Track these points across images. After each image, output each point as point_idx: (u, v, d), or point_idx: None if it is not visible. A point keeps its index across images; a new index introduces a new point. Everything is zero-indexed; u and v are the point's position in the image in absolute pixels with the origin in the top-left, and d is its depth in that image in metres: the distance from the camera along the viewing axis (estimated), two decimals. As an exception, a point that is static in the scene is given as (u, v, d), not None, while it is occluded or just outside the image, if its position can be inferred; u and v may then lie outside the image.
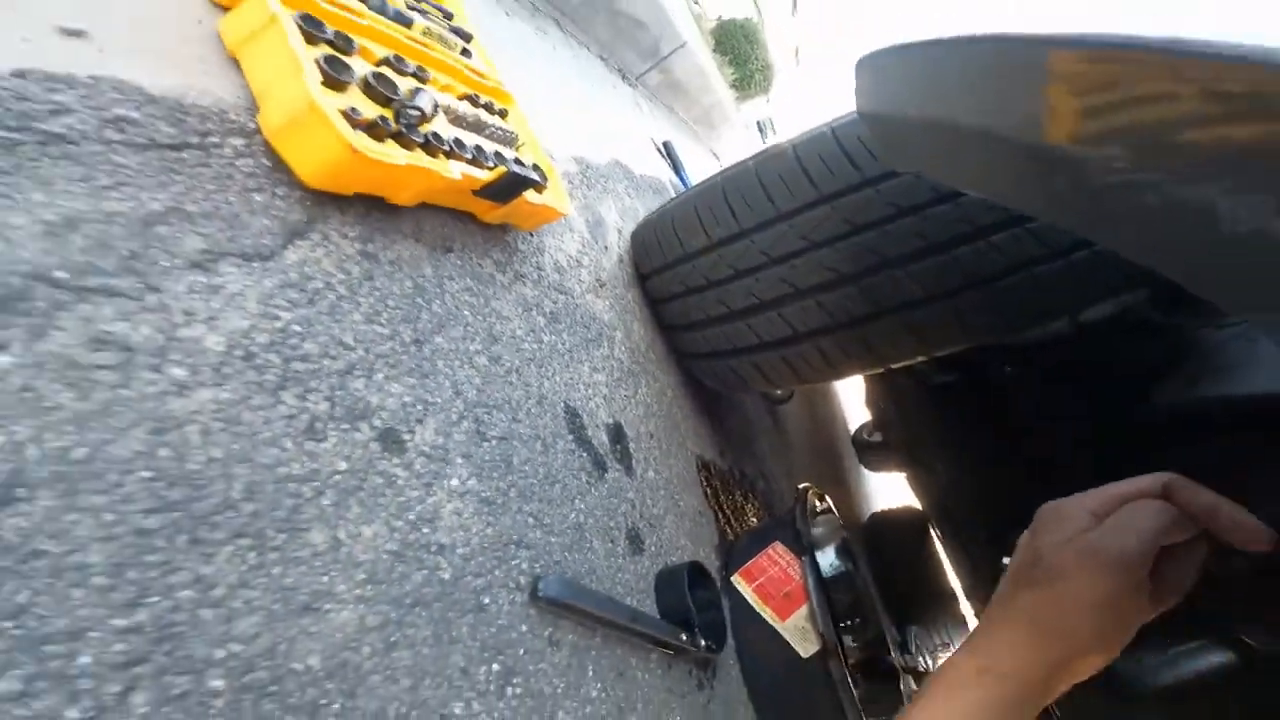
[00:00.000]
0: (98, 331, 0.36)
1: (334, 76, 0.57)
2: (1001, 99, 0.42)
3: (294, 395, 0.44)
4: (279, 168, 0.55)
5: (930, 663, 1.62)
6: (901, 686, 0.97)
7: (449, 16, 0.88)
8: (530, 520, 0.60)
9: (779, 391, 1.65)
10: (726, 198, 0.90)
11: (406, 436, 0.51)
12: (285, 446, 0.42)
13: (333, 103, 0.55)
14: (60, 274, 0.37)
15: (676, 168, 2.12)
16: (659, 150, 2.13)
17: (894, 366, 0.88)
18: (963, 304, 0.75)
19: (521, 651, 0.53)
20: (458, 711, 0.46)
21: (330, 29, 0.61)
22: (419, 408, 0.54)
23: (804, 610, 0.87)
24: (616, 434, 0.83)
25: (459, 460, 0.55)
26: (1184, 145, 0.29)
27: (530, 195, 0.75)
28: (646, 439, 0.90)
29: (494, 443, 0.60)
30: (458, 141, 0.69)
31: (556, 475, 0.67)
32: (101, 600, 0.31)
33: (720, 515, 1.01)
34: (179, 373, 0.38)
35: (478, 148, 0.72)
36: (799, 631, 0.87)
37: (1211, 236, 0.28)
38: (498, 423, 0.62)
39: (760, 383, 0.96)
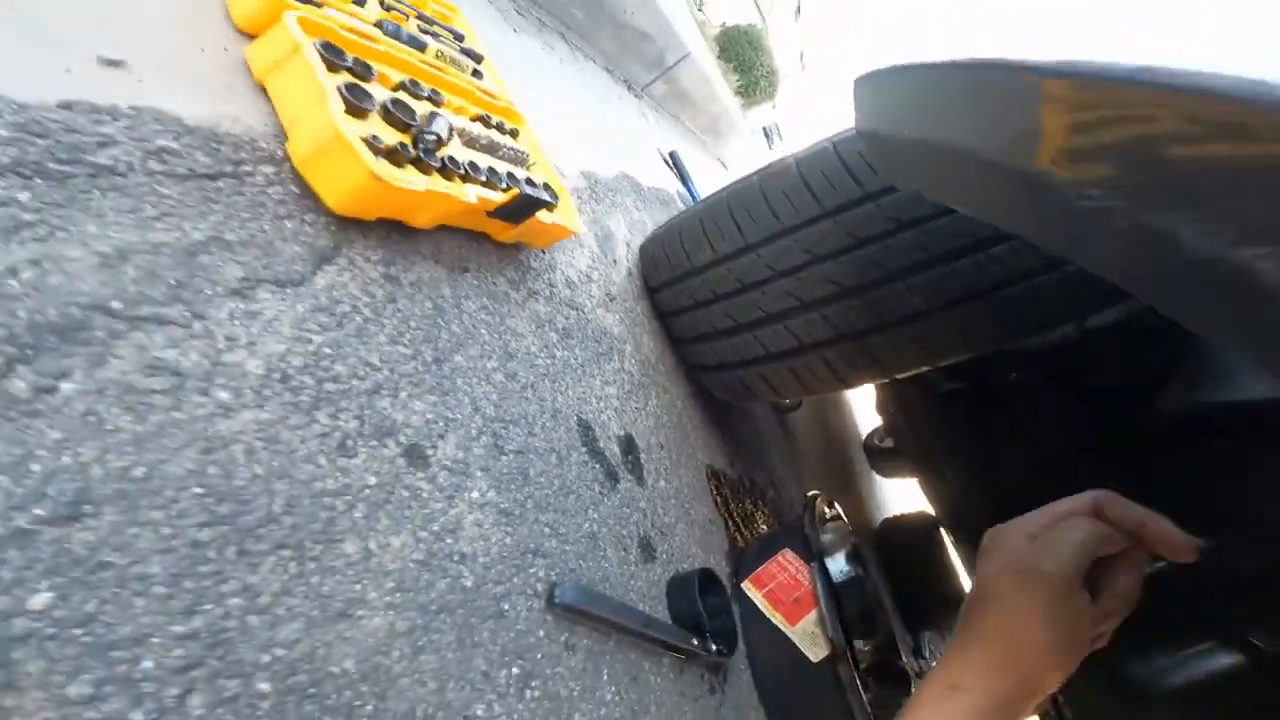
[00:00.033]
0: (151, 358, 0.39)
1: (355, 104, 0.59)
2: (994, 123, 0.43)
3: (327, 414, 0.47)
4: (306, 194, 0.58)
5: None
6: (914, 690, 0.98)
7: (460, 38, 0.91)
8: (546, 530, 0.63)
9: (787, 400, 1.67)
10: (732, 213, 0.93)
11: (430, 451, 0.54)
12: (320, 463, 0.45)
13: (355, 130, 0.57)
14: (116, 304, 0.40)
15: (683, 178, 2.14)
16: (666, 161, 2.16)
17: (900, 376, 0.90)
18: (965, 315, 0.77)
19: (539, 656, 0.56)
20: (480, 713, 0.48)
21: (350, 56, 0.63)
22: (441, 424, 0.56)
23: (813, 615, 0.89)
24: (628, 445, 0.86)
25: (479, 473, 0.58)
26: (1153, 173, 0.31)
27: (542, 215, 0.77)
28: (657, 449, 0.92)
29: (511, 456, 0.63)
30: (472, 164, 0.72)
31: (571, 486, 0.70)
32: (162, 608, 0.33)
33: (730, 523, 1.03)
34: (224, 395, 0.41)
35: (491, 169, 0.75)
36: (808, 636, 0.89)
37: (1177, 262, 0.30)
38: (514, 437, 0.65)
39: (768, 394, 0.99)
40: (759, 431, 1.45)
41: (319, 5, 0.65)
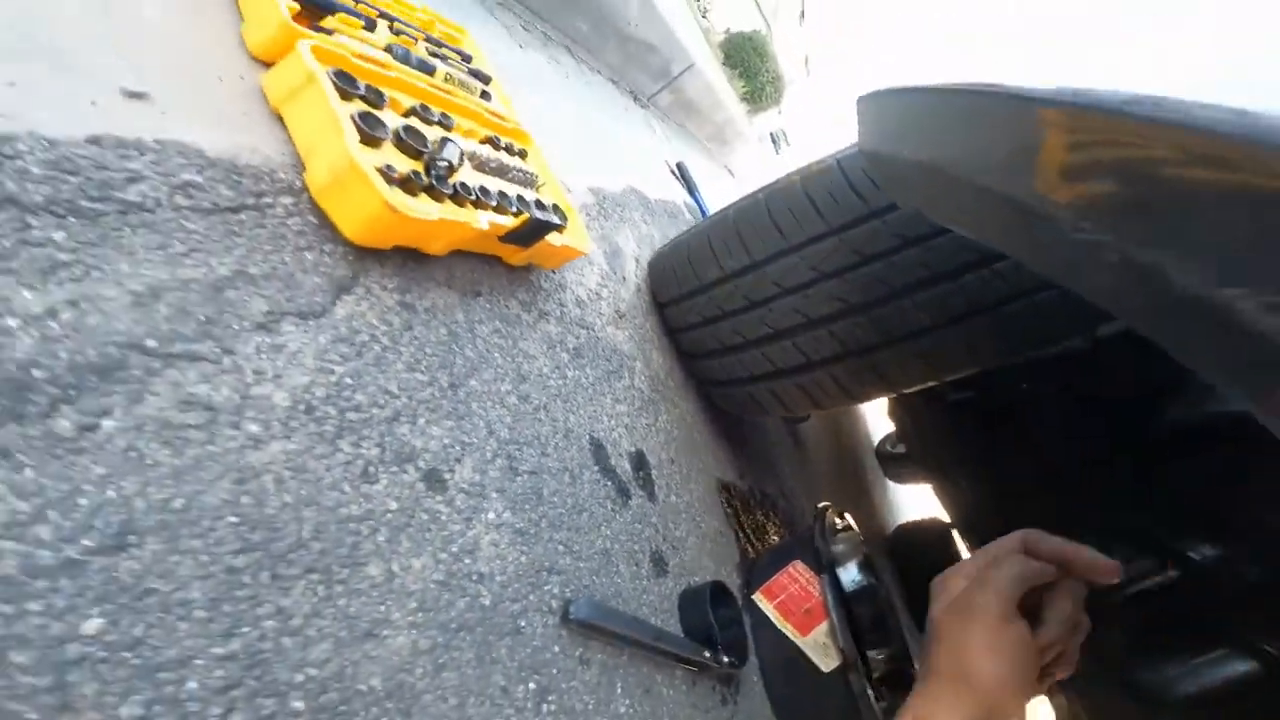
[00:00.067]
0: (185, 394, 0.41)
1: (369, 134, 0.60)
2: (989, 150, 0.44)
3: (349, 443, 0.49)
4: (324, 224, 0.59)
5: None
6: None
7: (468, 59, 0.92)
8: (561, 548, 0.65)
9: (798, 414, 1.67)
10: (738, 230, 0.95)
11: (447, 476, 0.56)
12: (344, 490, 0.47)
13: (370, 160, 0.58)
14: (150, 342, 0.42)
15: (690, 189, 2.16)
16: (673, 172, 2.18)
17: (908, 391, 0.91)
18: (971, 330, 0.78)
19: (555, 671, 0.57)
20: (499, 728, 0.50)
21: (362, 84, 0.64)
22: (457, 448, 0.58)
23: (824, 626, 0.90)
24: (639, 461, 0.87)
25: (494, 495, 0.60)
26: (1143, 207, 0.31)
27: (552, 237, 0.79)
28: (668, 464, 0.94)
29: (525, 477, 0.65)
30: (483, 189, 0.73)
31: (584, 504, 0.71)
32: (203, 631, 0.36)
33: (741, 534, 1.04)
34: (254, 428, 0.43)
35: (501, 193, 0.76)
36: (819, 647, 0.89)
37: (1166, 298, 0.30)
38: (528, 458, 0.67)
39: (778, 409, 1.00)
40: (769, 442, 1.46)
41: (330, 32, 0.67)
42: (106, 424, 0.38)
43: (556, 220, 0.79)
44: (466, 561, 0.54)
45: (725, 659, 0.77)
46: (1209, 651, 0.88)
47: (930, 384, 0.87)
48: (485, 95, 0.89)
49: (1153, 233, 0.30)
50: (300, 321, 0.52)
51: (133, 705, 0.32)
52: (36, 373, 0.36)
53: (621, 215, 1.33)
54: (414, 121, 0.70)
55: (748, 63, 5.30)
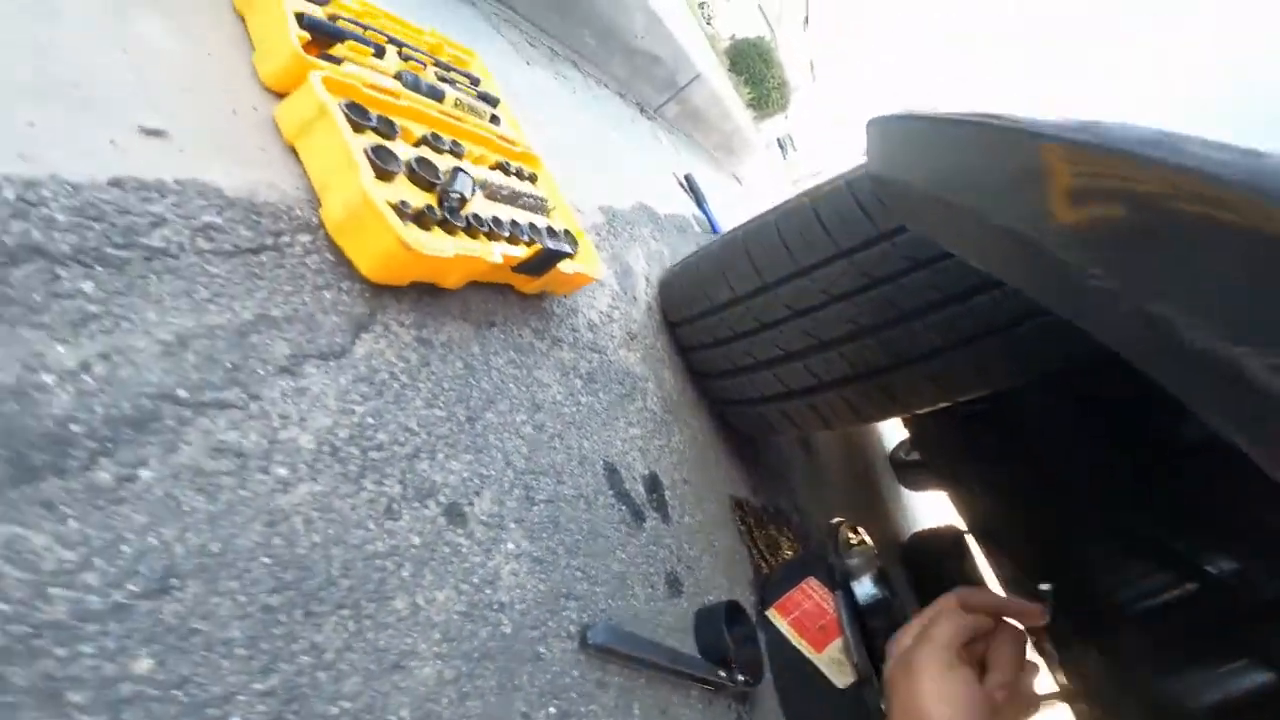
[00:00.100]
0: (216, 441, 0.43)
1: (383, 168, 0.60)
2: (995, 185, 0.43)
3: (372, 481, 0.50)
4: (341, 261, 0.59)
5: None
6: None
7: (476, 82, 0.92)
8: (578, 573, 0.66)
9: (810, 432, 1.68)
10: (749, 252, 0.96)
11: (467, 509, 0.57)
12: (369, 527, 0.48)
13: (384, 195, 0.58)
14: (181, 392, 0.43)
15: (699, 201, 2.17)
16: (681, 184, 2.19)
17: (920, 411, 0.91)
18: (981, 352, 0.79)
19: (574, 695, 0.58)
20: (522, 754, 0.51)
21: (374, 115, 0.63)
22: (476, 481, 0.60)
23: (839, 642, 0.90)
24: (653, 484, 0.88)
25: (513, 525, 0.61)
26: (1152, 257, 0.31)
27: (564, 265, 0.80)
28: (681, 485, 0.95)
29: (542, 506, 0.66)
30: (495, 220, 0.73)
31: (599, 529, 0.72)
32: (244, 668, 0.37)
33: (755, 550, 1.05)
34: (282, 471, 0.45)
35: (513, 222, 0.76)
36: (834, 663, 0.90)
37: (1176, 350, 0.30)
38: (544, 487, 0.68)
39: (789, 429, 1.00)
40: (782, 456, 1.47)
41: (340, 60, 0.67)
42: (144, 474, 0.39)
43: (568, 248, 0.80)
44: (488, 592, 0.55)
45: (740, 678, 0.78)
46: (1231, 661, 0.88)
47: (941, 405, 0.87)
48: (494, 119, 0.89)
49: (1161, 284, 0.29)
50: (322, 363, 0.53)
51: (180, 744, 0.33)
52: (75, 427, 0.38)
53: (631, 233, 1.34)
54: (425, 151, 0.70)
55: (753, 69, 5.31)
